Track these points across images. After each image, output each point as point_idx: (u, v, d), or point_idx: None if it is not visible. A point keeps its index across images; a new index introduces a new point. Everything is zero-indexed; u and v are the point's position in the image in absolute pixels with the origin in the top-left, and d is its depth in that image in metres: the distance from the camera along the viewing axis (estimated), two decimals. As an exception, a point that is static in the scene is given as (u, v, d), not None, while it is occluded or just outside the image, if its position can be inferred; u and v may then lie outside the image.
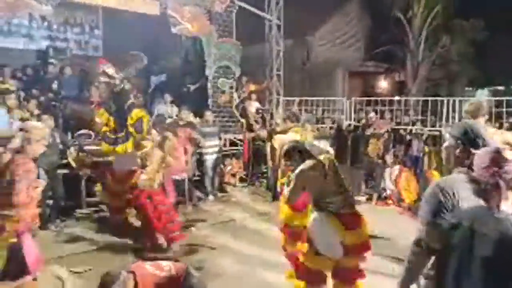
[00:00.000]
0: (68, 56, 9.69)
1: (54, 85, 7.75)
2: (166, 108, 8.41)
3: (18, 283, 2.91)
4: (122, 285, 2.25)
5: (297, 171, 3.15)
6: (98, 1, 7.65)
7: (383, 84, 16.33)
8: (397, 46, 13.52)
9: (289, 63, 11.36)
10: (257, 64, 10.77)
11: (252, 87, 9.99)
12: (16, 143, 3.13)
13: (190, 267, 2.63)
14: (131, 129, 5.52)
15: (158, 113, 7.68)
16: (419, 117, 9.88)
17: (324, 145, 4.05)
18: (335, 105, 11.57)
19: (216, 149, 7.65)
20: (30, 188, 3.04)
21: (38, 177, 5.53)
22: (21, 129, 3.19)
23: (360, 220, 3.21)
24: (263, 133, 7.81)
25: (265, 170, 8.62)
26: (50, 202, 5.84)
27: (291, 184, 3.18)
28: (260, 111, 9.10)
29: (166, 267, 2.50)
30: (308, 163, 3.15)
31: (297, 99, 10.53)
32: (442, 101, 9.25)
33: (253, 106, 9.26)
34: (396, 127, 9.18)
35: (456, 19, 13.34)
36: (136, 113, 5.58)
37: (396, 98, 11.70)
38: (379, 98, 11.31)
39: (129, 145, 5.62)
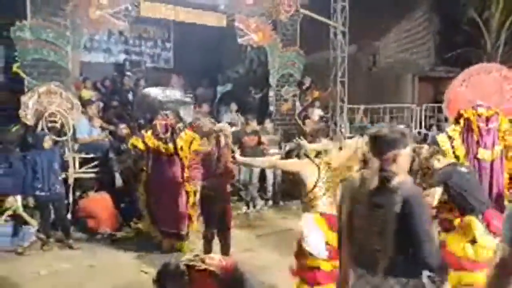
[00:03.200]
0: (142, 69, 10.34)
1: (130, 96, 8.30)
2: (232, 117, 8.65)
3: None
4: (180, 276, 2.34)
5: (295, 159, 3.63)
6: (170, 16, 8.08)
7: (456, 89, 15.37)
8: (472, 50, 12.65)
9: (354, 69, 11.12)
10: (321, 71, 10.68)
11: (316, 94, 9.93)
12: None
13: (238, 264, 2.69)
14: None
15: (227, 122, 7.93)
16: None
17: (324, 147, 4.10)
18: (404, 112, 11.11)
19: (277, 157, 7.70)
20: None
21: (114, 181, 6.07)
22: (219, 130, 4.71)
23: None
24: None
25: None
26: (123, 205, 6.27)
27: (287, 161, 3.69)
28: (324, 118, 9.00)
29: (216, 259, 2.57)
30: (303, 160, 3.57)
31: (362, 106, 10.28)
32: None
33: (315, 113, 9.19)
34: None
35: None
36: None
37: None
38: (452, 105, 10.67)
39: None
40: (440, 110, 10.40)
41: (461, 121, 4.57)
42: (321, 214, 3.41)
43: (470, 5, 12.08)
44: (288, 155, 3.85)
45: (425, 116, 10.64)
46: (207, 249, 4.59)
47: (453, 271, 3.60)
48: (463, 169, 3.81)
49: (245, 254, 5.08)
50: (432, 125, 10.19)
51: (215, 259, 2.56)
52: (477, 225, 3.62)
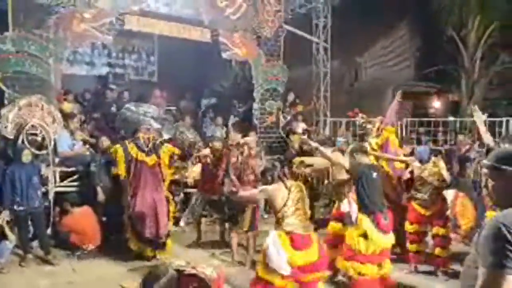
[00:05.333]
0: (126, 81, 10.28)
1: (113, 109, 8.23)
2: (217, 129, 8.65)
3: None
4: (169, 280, 2.26)
5: (262, 187, 3.86)
6: (154, 30, 8.10)
7: (435, 104, 15.75)
8: (451, 65, 13.03)
9: (337, 84, 11.31)
10: (305, 85, 10.83)
11: (300, 108, 10.05)
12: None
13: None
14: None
15: (210, 134, 7.94)
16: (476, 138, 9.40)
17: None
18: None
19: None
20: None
21: (96, 195, 5.99)
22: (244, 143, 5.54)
23: (310, 242, 3.60)
24: None
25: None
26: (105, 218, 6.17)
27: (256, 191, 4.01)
28: (306, 131, 9.09)
29: (209, 270, 2.54)
30: (274, 185, 3.76)
31: (344, 120, 10.43)
32: (500, 122, 8.79)
33: (299, 127, 9.29)
34: (451, 148, 8.81)
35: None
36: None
37: (450, 118, 11.25)
38: (432, 119, 10.92)
39: None
40: (420, 124, 10.65)
41: (385, 135, 5.79)
42: (287, 233, 3.50)
43: (449, 24, 12.46)
44: (263, 175, 4.03)
45: (406, 130, 10.84)
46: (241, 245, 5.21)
47: (347, 261, 4.09)
48: (373, 174, 4.31)
49: (233, 269, 5.05)
50: (413, 139, 10.37)
51: (207, 269, 2.54)
52: (366, 222, 4.04)
